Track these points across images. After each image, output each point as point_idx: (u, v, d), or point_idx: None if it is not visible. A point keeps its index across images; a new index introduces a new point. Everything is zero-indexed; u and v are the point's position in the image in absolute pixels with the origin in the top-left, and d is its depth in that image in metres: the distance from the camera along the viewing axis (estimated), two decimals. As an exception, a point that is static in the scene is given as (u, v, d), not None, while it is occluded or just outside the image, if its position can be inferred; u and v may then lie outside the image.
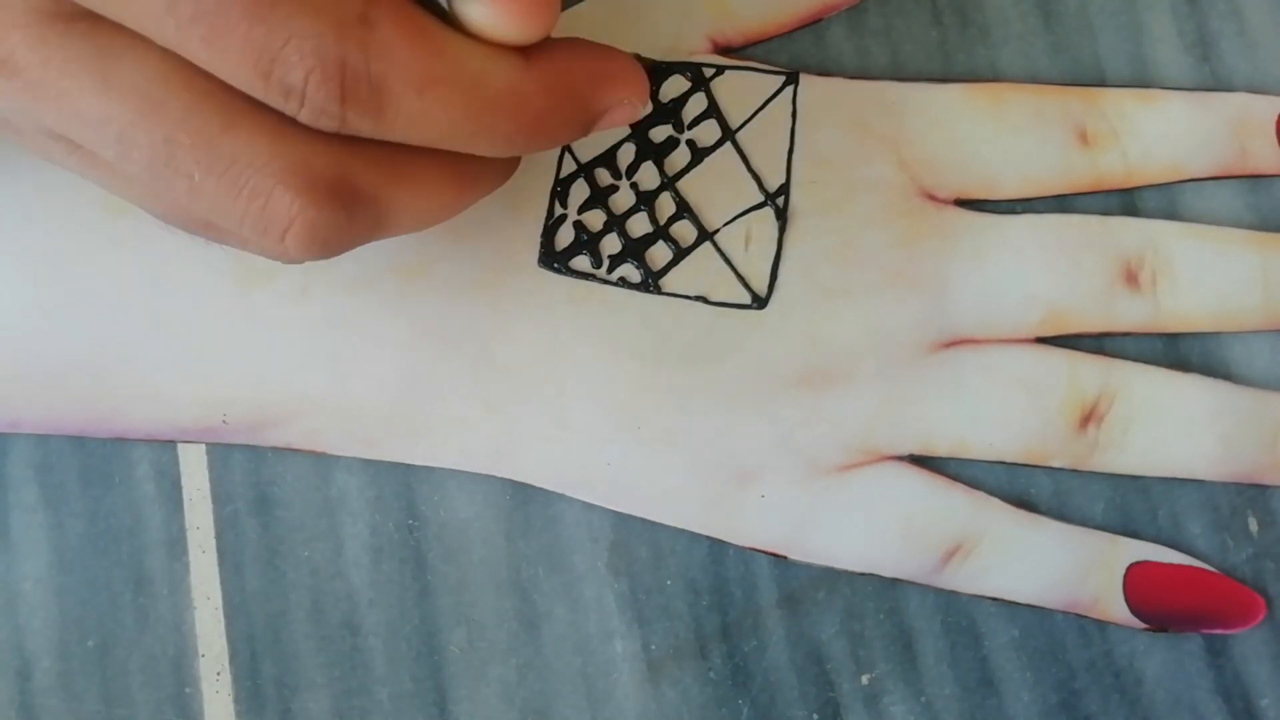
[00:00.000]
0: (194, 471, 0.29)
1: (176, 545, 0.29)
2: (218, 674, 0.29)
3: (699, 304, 0.29)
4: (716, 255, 0.30)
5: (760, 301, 0.29)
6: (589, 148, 0.30)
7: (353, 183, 0.22)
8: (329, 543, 0.29)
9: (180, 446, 0.29)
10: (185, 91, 0.21)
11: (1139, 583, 0.28)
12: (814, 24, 0.31)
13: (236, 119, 0.21)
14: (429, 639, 0.29)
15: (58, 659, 0.29)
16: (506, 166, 0.25)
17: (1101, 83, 0.31)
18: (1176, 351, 0.29)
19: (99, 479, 0.29)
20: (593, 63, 0.24)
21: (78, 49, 0.21)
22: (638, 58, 0.29)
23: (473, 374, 0.29)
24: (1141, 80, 0.31)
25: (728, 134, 0.30)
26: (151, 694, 0.29)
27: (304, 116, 0.21)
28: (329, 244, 0.22)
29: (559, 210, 0.30)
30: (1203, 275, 0.29)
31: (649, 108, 0.26)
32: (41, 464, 0.29)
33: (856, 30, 0.31)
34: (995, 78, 0.31)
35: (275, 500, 0.29)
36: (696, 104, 0.30)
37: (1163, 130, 0.30)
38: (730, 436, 0.29)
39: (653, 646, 0.29)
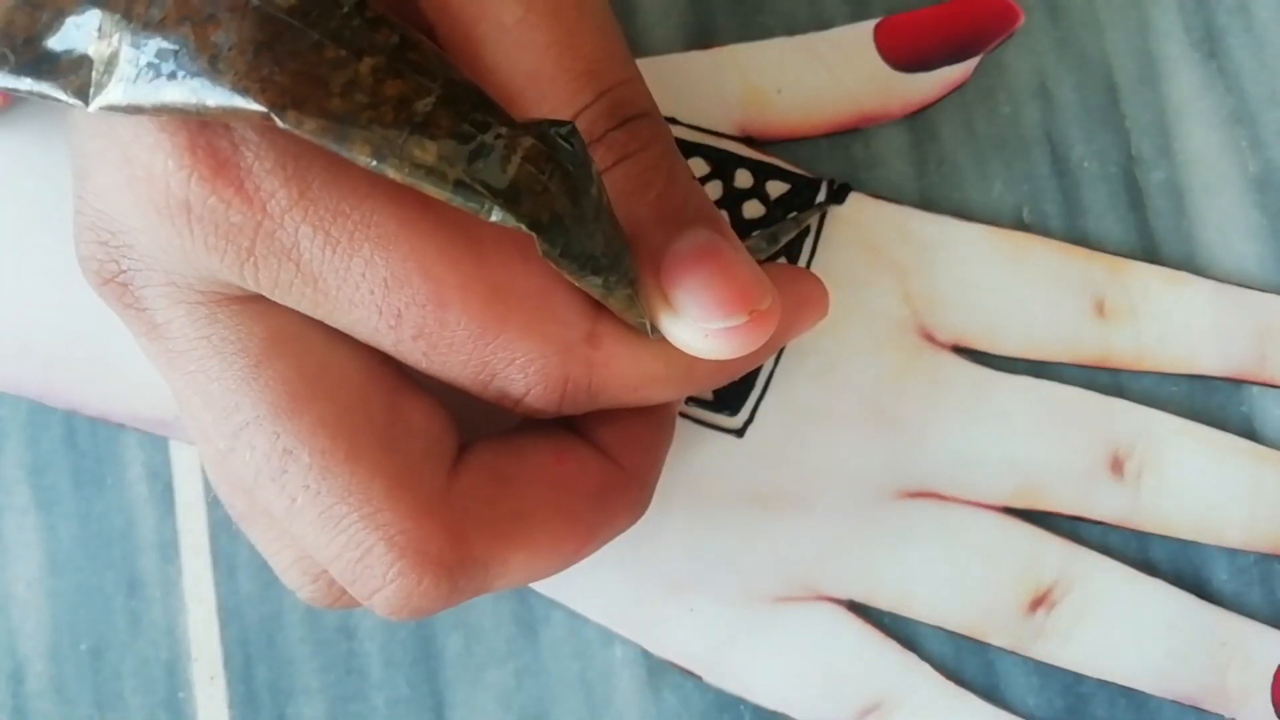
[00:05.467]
0: (187, 474, 0.29)
1: (169, 548, 0.29)
2: (211, 678, 0.28)
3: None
4: None
5: (734, 421, 0.28)
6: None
7: (466, 548, 0.21)
8: (324, 545, 0.29)
9: (173, 448, 0.29)
10: (327, 401, 0.20)
11: None
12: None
13: (361, 451, 0.20)
14: (425, 643, 0.28)
15: (50, 662, 0.29)
16: (634, 510, 0.24)
17: (1108, 76, 0.29)
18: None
19: (91, 481, 0.29)
20: (790, 298, 0.23)
21: (236, 330, 0.21)
22: None
23: None
24: (1147, 74, 0.29)
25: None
26: (144, 698, 0.28)
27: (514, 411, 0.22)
28: (420, 613, 0.21)
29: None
30: (1191, 480, 0.27)
31: None
32: (33, 466, 0.29)
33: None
34: (999, 73, 0.29)
35: (270, 502, 0.29)
36: (711, 191, 0.29)
37: (1184, 318, 0.28)
38: (671, 540, 0.28)
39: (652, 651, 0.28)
